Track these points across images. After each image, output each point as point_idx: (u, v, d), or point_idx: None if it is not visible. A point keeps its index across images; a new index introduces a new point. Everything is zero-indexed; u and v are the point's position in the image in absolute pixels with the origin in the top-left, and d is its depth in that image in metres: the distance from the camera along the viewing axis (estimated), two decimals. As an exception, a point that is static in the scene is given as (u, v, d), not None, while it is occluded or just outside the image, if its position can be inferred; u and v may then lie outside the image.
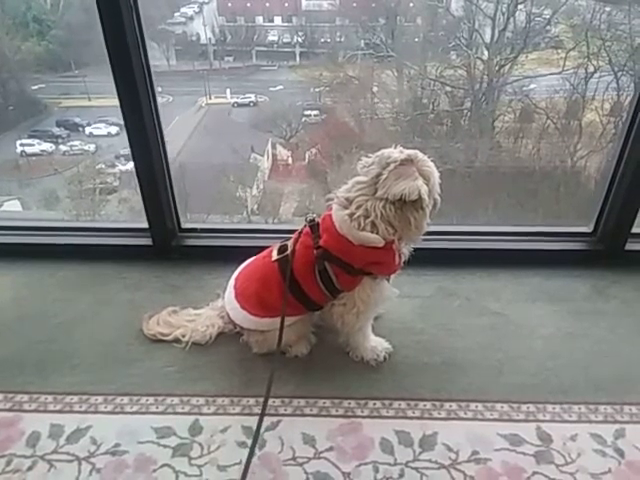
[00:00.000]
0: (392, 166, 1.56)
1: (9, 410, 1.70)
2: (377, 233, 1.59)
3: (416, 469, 1.51)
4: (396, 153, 1.60)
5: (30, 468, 1.52)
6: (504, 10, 4.81)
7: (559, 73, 4.99)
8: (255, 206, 5.73)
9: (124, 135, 2.14)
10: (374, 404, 1.70)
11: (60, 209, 5.51)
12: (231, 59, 6.49)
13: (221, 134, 6.30)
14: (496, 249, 2.36)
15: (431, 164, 1.62)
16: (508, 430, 1.62)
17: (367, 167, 1.64)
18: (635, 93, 2.10)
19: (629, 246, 2.32)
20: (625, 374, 1.82)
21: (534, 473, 1.50)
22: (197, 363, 1.85)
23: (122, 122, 2.12)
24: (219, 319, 1.95)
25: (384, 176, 1.57)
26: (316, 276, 1.68)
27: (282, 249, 1.75)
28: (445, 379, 1.79)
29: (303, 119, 6.17)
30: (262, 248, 1.85)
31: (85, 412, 1.68)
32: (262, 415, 1.55)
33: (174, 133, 5.25)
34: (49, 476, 1.50)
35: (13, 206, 5.09)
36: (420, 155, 1.61)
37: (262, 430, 1.58)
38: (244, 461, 1.47)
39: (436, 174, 1.63)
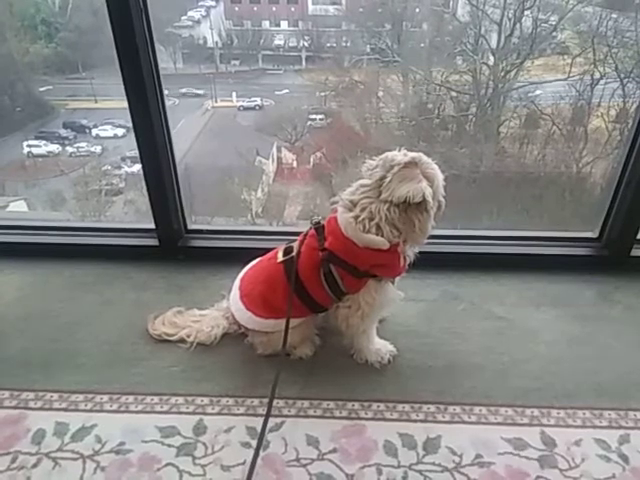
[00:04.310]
0: (396, 169, 1.57)
1: (15, 408, 1.71)
2: (382, 236, 1.59)
3: (420, 472, 1.51)
4: (400, 156, 1.60)
5: (35, 465, 1.53)
6: (510, 16, 4.81)
7: (565, 79, 4.99)
8: (260, 209, 5.74)
9: (130, 137, 2.16)
10: (378, 406, 1.70)
11: (66, 210, 5.54)
12: (237, 63, 6.51)
13: (227, 137, 6.33)
14: (501, 253, 2.36)
15: (435, 166, 1.63)
16: (512, 434, 1.62)
17: (371, 170, 1.64)
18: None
19: (635, 252, 2.32)
20: (630, 380, 1.81)
21: (538, 477, 1.50)
22: (202, 363, 1.86)
23: (128, 124, 2.14)
24: (224, 320, 1.95)
25: (388, 179, 1.57)
26: (321, 278, 1.68)
27: (287, 251, 1.76)
28: (449, 382, 1.79)
29: (308, 123, 6.18)
30: (267, 250, 1.86)
31: (90, 410, 1.69)
32: (267, 416, 1.56)
33: (180, 136, 5.28)
34: (54, 474, 1.51)
35: (19, 206, 5.11)
36: (424, 158, 1.62)
37: (266, 431, 1.59)
38: (248, 461, 1.48)
39: (440, 176, 1.63)
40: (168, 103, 2.19)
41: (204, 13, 6.34)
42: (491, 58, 5.08)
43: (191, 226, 2.42)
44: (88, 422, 1.65)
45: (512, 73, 5.01)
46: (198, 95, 6.22)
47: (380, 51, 5.60)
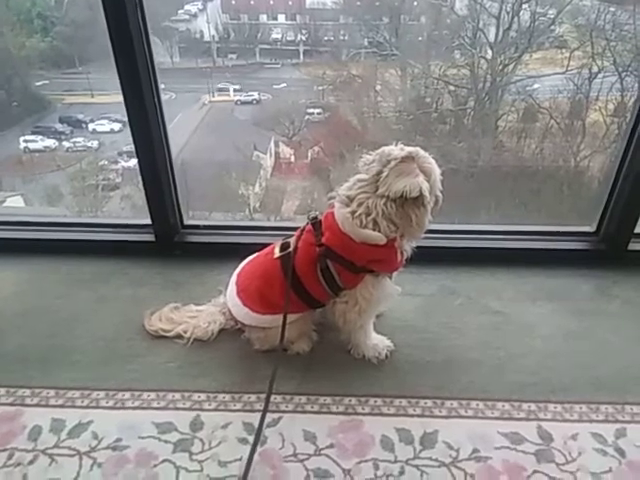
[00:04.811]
0: (393, 163, 1.56)
1: (11, 404, 1.70)
2: (379, 231, 1.59)
3: (416, 467, 1.51)
4: (397, 150, 1.60)
5: (31, 462, 1.53)
6: (508, 9, 4.79)
7: (563, 73, 4.97)
8: (257, 204, 5.73)
9: (127, 132, 2.14)
10: (375, 401, 1.70)
11: (63, 205, 5.52)
12: (234, 57, 6.47)
13: (224, 132, 6.30)
14: (498, 248, 2.36)
15: (432, 161, 1.62)
16: (509, 428, 1.62)
17: (368, 165, 1.64)
18: (639, 94, 2.10)
19: (632, 246, 2.32)
20: (627, 374, 1.81)
21: (534, 472, 1.50)
22: (199, 359, 1.86)
23: (125, 119, 2.12)
24: (221, 315, 1.95)
25: (385, 173, 1.57)
26: (318, 274, 1.68)
27: (284, 246, 1.75)
28: (446, 377, 1.79)
29: (306, 117, 6.15)
30: (264, 245, 1.86)
31: (87, 407, 1.69)
32: (264, 411, 1.55)
33: (177, 130, 5.25)
34: (50, 470, 1.51)
35: (16, 202, 5.09)
36: (421, 152, 1.61)
37: (263, 426, 1.59)
38: (245, 457, 1.48)
39: (437, 171, 1.63)
40: (165, 97, 2.18)
41: (201, 7, 6.30)
42: (489, 52, 5.06)
43: (188, 221, 2.42)
44: (84, 418, 1.65)
45: (510, 67, 4.99)
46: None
47: (378, 45, 5.57)
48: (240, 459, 1.52)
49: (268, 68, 6.46)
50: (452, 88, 5.26)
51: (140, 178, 2.25)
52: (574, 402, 1.70)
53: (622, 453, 1.56)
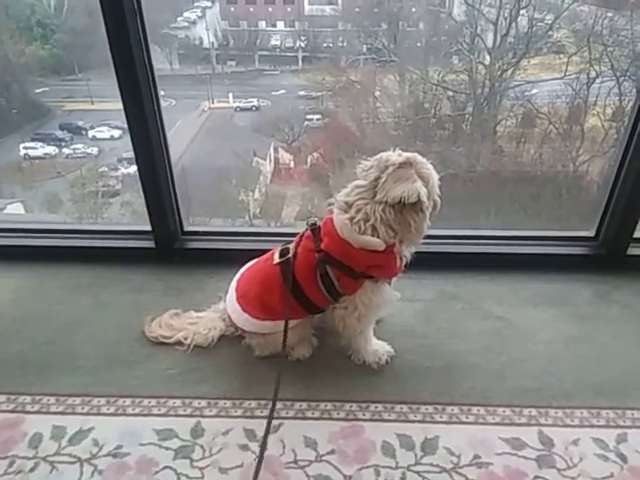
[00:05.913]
0: (391, 169, 1.57)
1: (12, 411, 1.70)
2: (378, 236, 1.59)
3: (417, 473, 1.51)
4: (395, 156, 1.60)
5: (32, 469, 1.52)
6: (506, 15, 4.81)
7: (561, 78, 4.99)
8: (257, 210, 5.73)
9: (127, 138, 2.15)
10: (376, 407, 1.70)
11: (63, 212, 5.53)
12: (234, 63, 6.50)
13: (223, 138, 6.31)
14: (498, 253, 2.36)
15: (430, 166, 1.63)
16: (510, 434, 1.62)
17: (366, 171, 1.64)
18: (637, 98, 2.11)
19: (631, 251, 2.32)
20: (627, 379, 1.81)
21: (536, 477, 1.50)
22: (199, 366, 1.86)
23: (125, 125, 2.13)
24: (221, 322, 1.95)
25: (383, 179, 1.57)
26: (317, 279, 1.68)
27: (284, 252, 1.75)
28: (447, 383, 1.79)
29: (305, 123, 6.17)
30: (264, 251, 1.86)
31: (87, 414, 1.69)
32: (270, 419, 1.55)
33: (177, 137, 5.26)
34: (51, 478, 1.50)
35: (16, 209, 5.09)
36: (419, 158, 1.61)
37: (264, 433, 1.58)
38: (246, 464, 1.48)
39: (435, 176, 1.63)
40: (164, 104, 2.19)
41: (200, 14, 6.33)
42: (487, 57, 5.08)
43: (187, 228, 2.42)
44: (85, 425, 1.65)
45: (508, 72, 5.01)
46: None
47: (377, 51, 5.60)
48: (241, 465, 1.52)
49: (267, 74, 6.48)
50: (451, 94, 5.28)
51: (140, 185, 2.26)
52: (575, 407, 1.70)
53: (624, 458, 1.55)
